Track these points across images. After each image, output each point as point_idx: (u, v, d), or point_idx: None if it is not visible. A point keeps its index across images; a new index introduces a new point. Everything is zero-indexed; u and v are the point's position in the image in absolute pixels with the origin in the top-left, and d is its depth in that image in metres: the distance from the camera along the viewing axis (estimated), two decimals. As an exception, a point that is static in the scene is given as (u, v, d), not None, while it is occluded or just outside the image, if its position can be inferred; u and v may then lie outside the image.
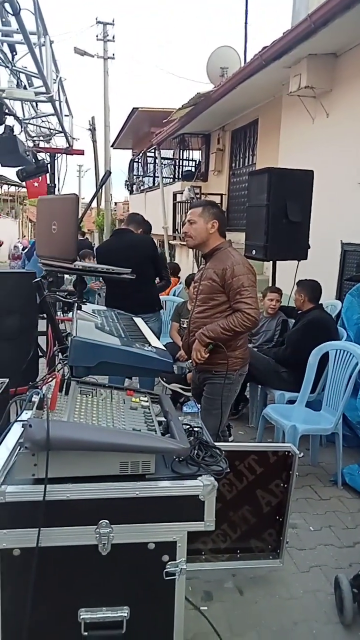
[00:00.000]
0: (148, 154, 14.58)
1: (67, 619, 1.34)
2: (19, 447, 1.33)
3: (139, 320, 2.24)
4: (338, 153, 5.44)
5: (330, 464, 3.38)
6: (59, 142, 5.37)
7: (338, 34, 4.93)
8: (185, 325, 4.62)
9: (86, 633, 1.34)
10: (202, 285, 2.63)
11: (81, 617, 1.34)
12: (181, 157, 12.51)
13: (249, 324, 2.47)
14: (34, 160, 4.43)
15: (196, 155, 12.50)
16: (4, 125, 3.51)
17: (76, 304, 2.01)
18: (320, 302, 3.80)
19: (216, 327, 2.51)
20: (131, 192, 17.10)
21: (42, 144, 5.29)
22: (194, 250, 8.88)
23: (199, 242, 2.63)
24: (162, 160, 12.85)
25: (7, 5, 2.45)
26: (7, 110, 3.56)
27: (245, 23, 11.51)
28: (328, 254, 4.98)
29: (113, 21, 17.34)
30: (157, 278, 3.98)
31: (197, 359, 2.57)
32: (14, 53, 3.25)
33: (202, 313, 2.62)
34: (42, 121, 4.82)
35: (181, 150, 12.33)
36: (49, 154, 5.14)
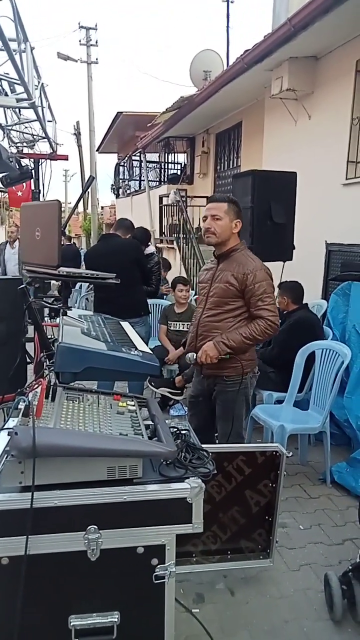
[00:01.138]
0: (133, 157, 14.60)
1: (57, 626, 1.34)
2: (5, 455, 1.33)
3: (125, 325, 2.25)
4: (321, 154, 5.51)
5: (318, 462, 3.41)
6: (43, 147, 5.37)
7: (318, 37, 5.01)
8: (172, 328, 4.65)
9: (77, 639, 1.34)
10: (217, 287, 2.51)
11: (72, 623, 1.34)
12: (166, 161, 12.55)
13: (271, 332, 2.42)
14: (17, 167, 4.42)
15: (181, 158, 12.55)
16: (-14, 132, 3.50)
17: (62, 310, 2.01)
18: (305, 302, 3.84)
19: (237, 336, 2.41)
20: (117, 196, 17.09)
21: (25, 150, 5.27)
22: (182, 252, 8.94)
23: (222, 240, 2.51)
24: (147, 164, 12.88)
25: (-14, 13, 2.45)
26: (-11, 117, 3.55)
27: (227, 26, 11.62)
28: (313, 254, 5.03)
29: (96, 26, 17.34)
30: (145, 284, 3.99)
31: (206, 362, 2.46)
32: (-5, 60, 3.24)
33: (214, 317, 2.51)
34: (25, 127, 4.81)
35: (166, 154, 12.37)
36: (32, 159, 5.13)
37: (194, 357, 2.53)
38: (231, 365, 2.48)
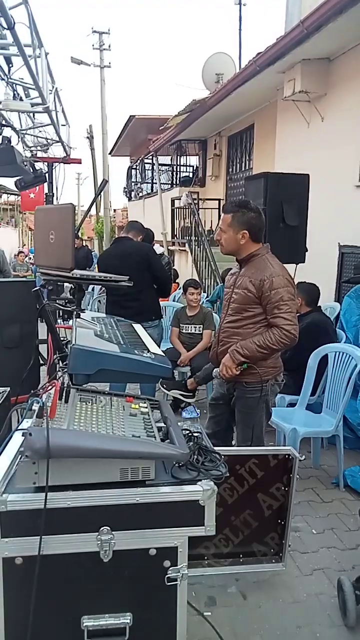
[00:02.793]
0: (146, 160, 14.66)
1: (70, 627, 1.35)
2: (19, 455, 1.34)
3: (138, 327, 2.26)
4: (333, 156, 5.48)
5: (331, 466, 3.39)
6: (57, 151, 5.42)
7: (331, 38, 4.99)
8: (184, 331, 4.65)
9: (89, 640, 1.35)
10: (236, 294, 2.47)
11: (84, 624, 1.34)
12: (179, 163, 12.58)
13: (286, 341, 2.32)
14: (31, 170, 4.47)
15: (193, 161, 12.57)
16: (1, 137, 3.55)
17: (75, 312, 2.03)
18: (318, 305, 3.81)
19: (251, 345, 2.35)
20: (130, 199, 17.18)
21: (39, 154, 5.33)
22: (194, 255, 8.96)
23: (230, 252, 2.50)
24: (159, 167, 12.92)
25: (1, 20, 2.48)
26: (4, 122, 3.60)
27: (240, 29, 11.64)
28: (326, 257, 5.00)
29: (109, 30, 17.48)
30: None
31: (227, 375, 2.44)
32: (10, 65, 3.29)
33: (234, 323, 2.47)
34: (39, 131, 4.87)
35: (178, 157, 12.41)
36: (46, 163, 5.18)
37: (218, 373, 2.53)
38: (250, 372, 2.43)
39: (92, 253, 11.85)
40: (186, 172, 12.67)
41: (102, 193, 16.22)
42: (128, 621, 1.36)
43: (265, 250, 2.50)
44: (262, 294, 2.36)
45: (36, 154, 5.31)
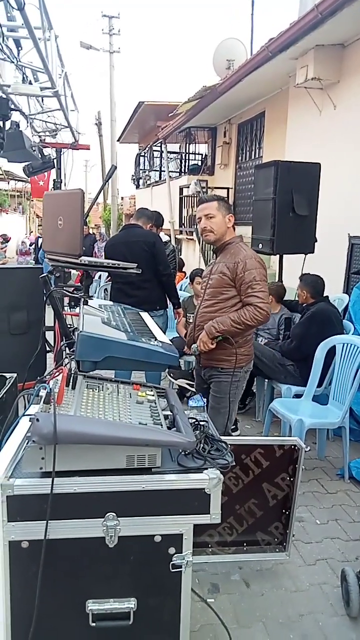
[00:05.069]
0: (154, 148, 14.54)
1: (75, 610, 1.36)
2: (26, 441, 1.35)
3: (145, 315, 2.25)
4: (345, 145, 5.39)
5: (337, 457, 3.38)
6: (65, 137, 5.36)
7: (345, 24, 4.88)
8: (191, 320, 4.63)
9: (94, 624, 1.36)
10: (212, 279, 2.62)
11: (89, 608, 1.36)
12: (187, 151, 12.46)
13: (260, 318, 2.46)
14: (40, 156, 4.43)
15: (202, 148, 12.44)
16: (10, 121, 3.51)
17: (83, 299, 2.02)
18: (326, 295, 3.77)
19: (226, 320, 2.49)
20: (137, 187, 17.07)
21: (48, 139, 5.28)
22: (201, 244, 8.90)
23: (219, 236, 2.62)
24: (168, 154, 12.81)
25: (11, 0, 2.44)
26: (12, 106, 3.56)
27: (252, 14, 11.41)
28: (335, 247, 4.94)
29: (119, 14, 17.24)
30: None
31: (204, 349, 2.56)
32: (19, 48, 3.24)
33: (210, 307, 2.60)
34: (48, 116, 4.81)
35: (187, 144, 12.27)
36: (55, 149, 5.14)
37: (196, 348, 2.62)
38: (226, 358, 2.56)
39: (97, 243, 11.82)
40: (195, 160, 12.55)
41: (110, 180, 16.10)
42: (132, 606, 1.37)
43: (240, 239, 2.66)
44: (236, 275, 2.50)
45: (44, 140, 5.25)
